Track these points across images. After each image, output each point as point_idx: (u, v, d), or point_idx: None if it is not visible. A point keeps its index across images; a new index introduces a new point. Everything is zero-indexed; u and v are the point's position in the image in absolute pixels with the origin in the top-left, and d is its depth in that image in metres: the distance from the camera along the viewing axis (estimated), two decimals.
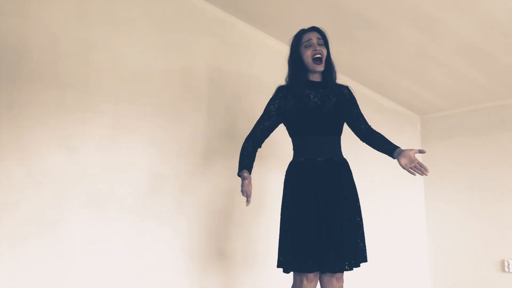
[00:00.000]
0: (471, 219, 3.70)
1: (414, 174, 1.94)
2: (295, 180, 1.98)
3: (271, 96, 2.09)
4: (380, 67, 3.30)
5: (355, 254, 1.91)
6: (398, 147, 1.99)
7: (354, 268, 1.92)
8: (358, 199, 2.02)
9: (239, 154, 2.06)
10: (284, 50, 3.00)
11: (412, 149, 1.94)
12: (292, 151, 2.07)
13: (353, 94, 2.13)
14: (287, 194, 1.99)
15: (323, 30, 2.07)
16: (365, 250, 1.97)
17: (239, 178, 2.78)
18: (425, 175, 1.92)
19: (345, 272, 1.94)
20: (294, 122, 2.02)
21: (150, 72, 2.49)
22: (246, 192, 1.90)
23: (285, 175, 2.05)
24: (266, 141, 2.15)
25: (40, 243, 2.02)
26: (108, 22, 2.37)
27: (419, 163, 1.91)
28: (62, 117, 2.15)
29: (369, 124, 2.13)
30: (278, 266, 1.95)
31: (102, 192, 2.23)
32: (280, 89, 2.07)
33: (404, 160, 1.92)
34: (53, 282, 2.04)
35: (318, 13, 2.68)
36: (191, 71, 2.66)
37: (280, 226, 1.98)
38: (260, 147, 2.11)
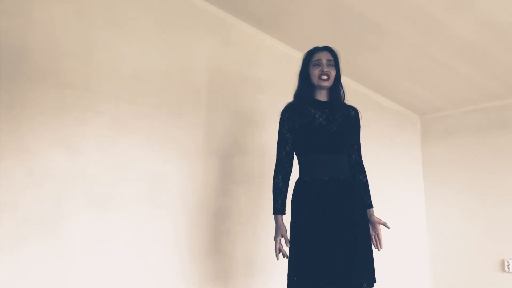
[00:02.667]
0: (471, 219, 3.69)
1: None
2: (301, 199, 1.96)
3: (279, 118, 2.05)
4: (380, 67, 3.30)
5: (366, 273, 1.90)
6: (372, 207, 2.06)
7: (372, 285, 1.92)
8: (365, 215, 2.02)
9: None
10: (284, 50, 3.03)
11: (379, 220, 2.04)
12: (298, 169, 2.04)
13: (360, 119, 2.10)
14: (294, 213, 1.97)
15: (336, 51, 2.05)
16: (374, 270, 1.95)
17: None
18: (378, 249, 2.02)
19: None
20: (299, 141, 2.00)
21: (150, 72, 2.49)
22: (280, 250, 1.93)
23: (292, 194, 2.02)
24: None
25: (40, 243, 2.02)
26: (108, 22, 2.37)
27: (379, 235, 2.03)
28: (62, 117, 2.15)
29: (362, 158, 2.12)
30: (289, 287, 1.90)
31: (102, 192, 2.23)
32: (285, 110, 2.04)
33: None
34: (53, 281, 2.04)
35: (318, 13, 2.68)
36: (191, 71, 2.66)
37: (290, 245, 1.94)
38: (291, 171, 2.05)
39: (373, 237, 2.02)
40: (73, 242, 2.11)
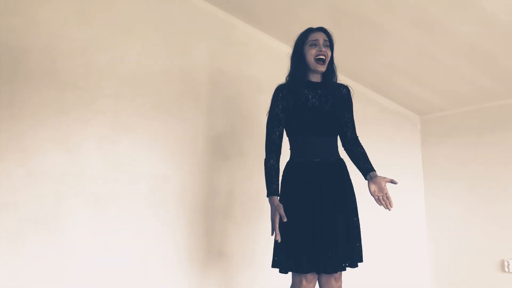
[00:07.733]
0: (471, 219, 3.70)
1: (379, 204, 1.95)
2: (292, 180, 1.96)
3: (271, 97, 2.05)
4: (380, 67, 3.30)
5: (352, 255, 1.90)
6: (373, 170, 1.98)
7: (351, 268, 1.91)
8: (355, 199, 2.01)
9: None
10: (284, 50, 3.02)
11: (385, 178, 1.95)
12: (289, 150, 2.05)
13: (351, 96, 2.10)
14: (284, 194, 1.96)
15: (330, 32, 2.05)
16: (361, 250, 1.95)
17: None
18: (388, 209, 1.94)
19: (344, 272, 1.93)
20: (292, 122, 1.99)
21: (150, 72, 2.49)
22: (276, 230, 1.84)
23: (282, 175, 2.02)
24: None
25: (40, 243, 2.02)
26: (108, 22, 2.37)
27: (387, 195, 1.94)
28: (62, 116, 2.15)
29: (357, 134, 2.09)
30: (273, 266, 1.93)
31: (102, 192, 2.23)
32: (279, 89, 2.03)
33: (373, 187, 1.95)
34: (52, 282, 2.04)
35: (318, 13, 2.68)
36: (191, 71, 2.66)
37: (283, 227, 1.90)
38: (281, 152, 2.02)
39: (381, 197, 1.93)
40: (73, 242, 2.11)
